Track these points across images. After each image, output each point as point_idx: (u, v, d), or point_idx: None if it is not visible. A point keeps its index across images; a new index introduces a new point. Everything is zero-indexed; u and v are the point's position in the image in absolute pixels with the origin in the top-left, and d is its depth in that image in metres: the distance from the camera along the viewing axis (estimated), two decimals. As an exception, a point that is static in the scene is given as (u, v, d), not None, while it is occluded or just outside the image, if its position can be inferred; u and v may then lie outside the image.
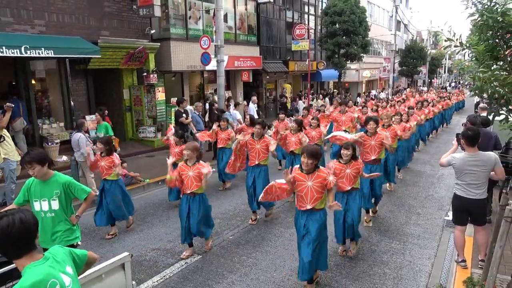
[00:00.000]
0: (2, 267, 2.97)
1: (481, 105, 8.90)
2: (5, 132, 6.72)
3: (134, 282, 3.38)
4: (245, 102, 16.17)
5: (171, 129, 7.85)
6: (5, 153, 6.64)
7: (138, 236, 6.08)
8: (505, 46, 3.78)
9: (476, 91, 3.82)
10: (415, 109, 11.89)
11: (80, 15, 10.48)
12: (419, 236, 5.99)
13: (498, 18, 3.51)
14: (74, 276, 2.15)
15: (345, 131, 9.35)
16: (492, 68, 3.74)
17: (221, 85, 12.44)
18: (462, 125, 7.82)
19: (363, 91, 32.17)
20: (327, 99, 20.66)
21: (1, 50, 7.90)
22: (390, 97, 25.50)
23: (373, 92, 30.91)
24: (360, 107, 12.30)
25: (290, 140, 7.36)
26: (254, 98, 14.51)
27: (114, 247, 5.71)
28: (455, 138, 5.07)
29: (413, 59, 36.78)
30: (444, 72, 60.75)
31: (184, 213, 5.15)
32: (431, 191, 8.42)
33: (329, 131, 9.15)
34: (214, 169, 8.62)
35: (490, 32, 3.68)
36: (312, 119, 8.39)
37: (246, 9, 17.80)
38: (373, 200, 6.50)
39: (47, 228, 3.77)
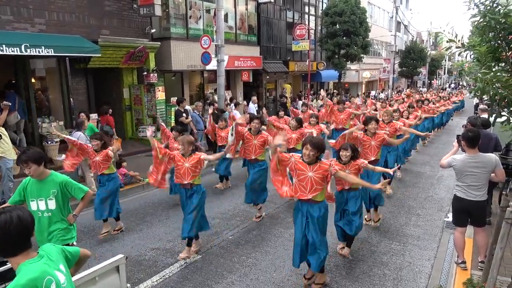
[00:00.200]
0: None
1: (481, 106, 8.91)
2: (2, 130, 6.69)
3: (128, 285, 3.33)
4: (245, 102, 16.17)
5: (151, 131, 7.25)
6: (1, 151, 6.60)
7: (137, 236, 6.06)
8: (507, 48, 3.77)
9: (478, 93, 3.81)
10: (415, 106, 11.89)
11: (81, 14, 10.46)
12: (419, 237, 5.99)
13: (501, 19, 3.51)
14: (67, 274, 2.14)
15: (326, 123, 9.34)
16: (494, 69, 3.73)
17: (221, 85, 12.44)
18: (463, 126, 7.80)
19: (363, 91, 32.18)
20: (326, 97, 20.61)
21: (1, 48, 7.88)
22: (390, 97, 25.53)
23: (373, 92, 30.94)
24: (360, 104, 12.29)
25: (290, 137, 7.33)
26: (254, 98, 14.51)
27: (113, 246, 5.70)
28: (456, 140, 5.07)
29: (413, 60, 36.80)
30: (444, 74, 60.79)
31: (185, 205, 5.19)
32: (431, 192, 8.41)
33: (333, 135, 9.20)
34: (213, 169, 8.69)
35: (492, 34, 3.68)
36: (311, 117, 8.36)
37: (246, 9, 17.79)
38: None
39: (44, 227, 3.73)
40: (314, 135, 6.84)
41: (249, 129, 6.55)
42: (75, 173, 7.72)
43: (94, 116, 10.77)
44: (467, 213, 4.60)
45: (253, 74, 18.05)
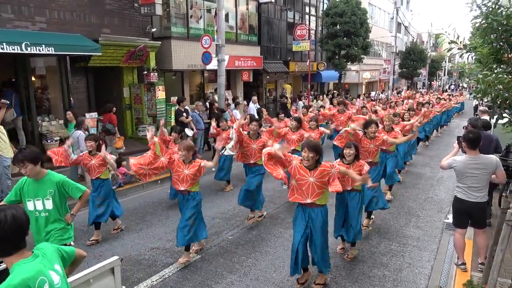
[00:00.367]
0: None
1: (481, 108, 8.91)
2: (0, 128, 6.67)
3: (124, 287, 3.30)
4: (245, 102, 16.16)
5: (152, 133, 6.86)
6: None
7: (137, 235, 6.05)
8: (509, 49, 3.77)
9: (479, 94, 3.80)
10: (416, 110, 11.86)
11: (81, 13, 10.45)
12: (418, 238, 5.99)
13: (503, 21, 3.51)
14: (62, 274, 2.11)
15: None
16: (496, 71, 3.73)
17: (221, 85, 12.43)
18: (464, 128, 7.79)
19: (363, 92, 32.17)
20: (326, 98, 20.63)
21: (2, 46, 7.86)
22: (390, 97, 25.53)
23: (373, 93, 30.92)
24: (360, 107, 12.26)
25: (290, 138, 7.32)
26: (255, 98, 14.49)
27: (113, 245, 5.70)
28: (456, 141, 5.06)
29: (413, 61, 36.81)
30: (444, 75, 60.82)
31: (181, 209, 5.11)
32: (431, 193, 8.41)
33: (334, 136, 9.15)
34: (213, 169, 8.67)
35: (494, 35, 3.67)
36: (311, 120, 8.33)
37: (247, 9, 17.79)
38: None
39: (41, 227, 3.68)
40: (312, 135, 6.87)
41: (248, 133, 6.47)
42: (74, 173, 7.72)
43: (94, 115, 10.78)
44: (467, 214, 4.60)
45: (253, 74, 18.04)
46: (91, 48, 9.85)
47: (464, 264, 4.76)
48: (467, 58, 4.36)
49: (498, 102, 3.85)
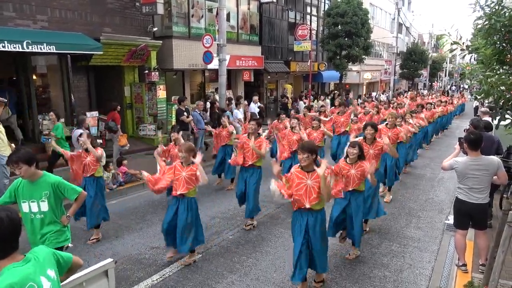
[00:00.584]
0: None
1: (483, 109, 8.88)
2: None
3: None
4: (245, 102, 16.15)
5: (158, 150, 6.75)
6: None
7: (137, 234, 6.05)
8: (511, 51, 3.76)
9: (482, 95, 3.80)
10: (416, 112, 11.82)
11: (83, 11, 10.45)
12: (419, 239, 5.98)
13: (506, 22, 3.50)
14: (55, 280, 2.03)
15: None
16: (499, 72, 3.72)
17: (222, 84, 12.43)
18: (464, 130, 7.79)
19: (364, 93, 32.16)
20: (327, 100, 20.61)
21: (3, 44, 7.87)
22: (391, 97, 25.50)
23: (373, 94, 30.89)
24: (362, 107, 12.26)
25: (291, 139, 7.29)
26: (256, 98, 14.47)
27: (113, 244, 5.69)
28: (458, 142, 5.05)
29: (414, 62, 36.75)
30: (445, 76, 60.81)
31: (169, 213, 4.91)
32: (431, 194, 8.40)
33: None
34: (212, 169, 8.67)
35: (497, 36, 3.66)
36: (313, 120, 8.34)
37: (248, 9, 17.78)
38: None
39: (36, 230, 3.61)
40: (306, 138, 6.86)
41: (248, 134, 6.38)
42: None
43: (94, 113, 10.78)
44: (468, 215, 4.58)
45: (254, 74, 18.03)
46: (92, 47, 9.85)
47: (464, 265, 4.75)
48: (470, 59, 4.35)
49: (501, 103, 3.84)
